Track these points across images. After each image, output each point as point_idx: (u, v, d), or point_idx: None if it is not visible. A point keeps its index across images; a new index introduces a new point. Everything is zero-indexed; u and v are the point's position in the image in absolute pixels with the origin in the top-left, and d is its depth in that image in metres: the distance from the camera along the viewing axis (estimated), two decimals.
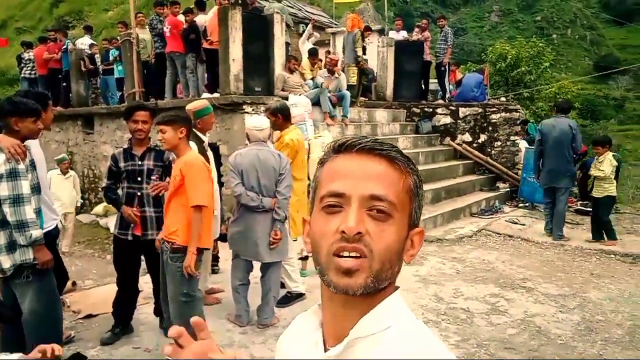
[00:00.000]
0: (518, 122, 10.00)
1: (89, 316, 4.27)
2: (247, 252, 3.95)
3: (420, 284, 5.03)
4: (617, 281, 5.25)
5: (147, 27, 9.26)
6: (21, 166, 2.74)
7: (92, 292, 5.00)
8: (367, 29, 10.83)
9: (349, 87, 9.11)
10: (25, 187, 2.74)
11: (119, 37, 10.13)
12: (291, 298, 4.54)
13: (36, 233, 2.77)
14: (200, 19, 8.26)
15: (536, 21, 65.59)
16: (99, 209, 9.05)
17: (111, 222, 6.56)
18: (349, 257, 0.73)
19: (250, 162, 3.85)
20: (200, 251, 3.23)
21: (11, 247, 2.78)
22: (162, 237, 3.27)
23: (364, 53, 10.21)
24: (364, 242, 0.73)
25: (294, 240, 4.49)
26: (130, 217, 3.58)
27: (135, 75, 8.96)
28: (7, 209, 2.70)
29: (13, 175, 2.70)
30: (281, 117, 4.38)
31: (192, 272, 3.13)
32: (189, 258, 3.11)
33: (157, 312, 3.97)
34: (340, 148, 0.80)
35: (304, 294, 4.61)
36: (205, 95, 7.82)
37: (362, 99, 10.31)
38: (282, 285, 4.59)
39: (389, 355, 0.72)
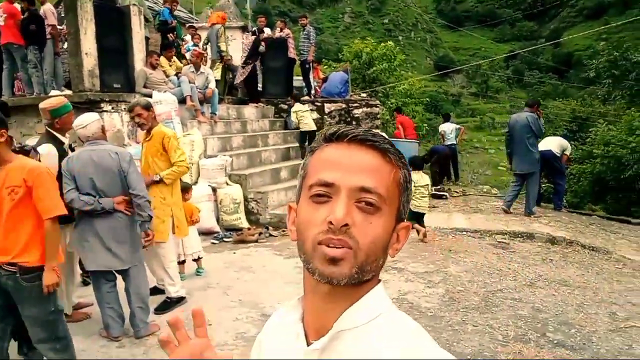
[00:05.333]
0: (378, 116, 10.74)
1: None
2: (97, 261, 3.62)
3: (302, 275, 5.13)
4: (470, 255, 5.94)
5: None
6: None
7: None
8: (261, 31, 10.52)
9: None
10: None
11: None
12: (171, 304, 4.31)
13: None
14: (45, 7, 7.40)
15: (384, 24, 71.00)
16: None
17: None
18: (335, 247, 0.72)
19: (83, 164, 3.50)
20: None
21: None
22: (1, 263, 2.70)
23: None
24: (350, 234, 0.72)
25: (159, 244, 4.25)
26: None
27: None
28: None
29: None
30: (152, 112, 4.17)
31: (56, 287, 2.80)
32: (50, 276, 2.73)
33: None
34: (332, 137, 0.79)
35: (185, 298, 4.42)
36: (54, 92, 7.04)
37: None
38: (163, 291, 4.38)
39: (376, 350, 0.73)
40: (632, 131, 11.77)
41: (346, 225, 0.72)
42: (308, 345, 0.78)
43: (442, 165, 11.11)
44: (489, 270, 5.38)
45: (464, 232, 6.87)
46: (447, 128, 11.57)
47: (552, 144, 8.43)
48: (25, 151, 3.27)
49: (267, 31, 11.14)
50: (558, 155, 8.38)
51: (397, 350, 0.72)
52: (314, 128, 9.23)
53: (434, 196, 9.36)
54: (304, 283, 0.81)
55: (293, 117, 9.30)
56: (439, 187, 10.08)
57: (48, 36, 7.56)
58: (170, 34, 9.26)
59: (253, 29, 10.82)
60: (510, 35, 73.09)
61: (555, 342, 3.75)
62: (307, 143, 9.12)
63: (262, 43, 9.90)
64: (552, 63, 58.41)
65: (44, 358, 3.07)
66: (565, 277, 5.24)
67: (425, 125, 20.72)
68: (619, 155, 11.65)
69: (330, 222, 0.72)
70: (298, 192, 0.82)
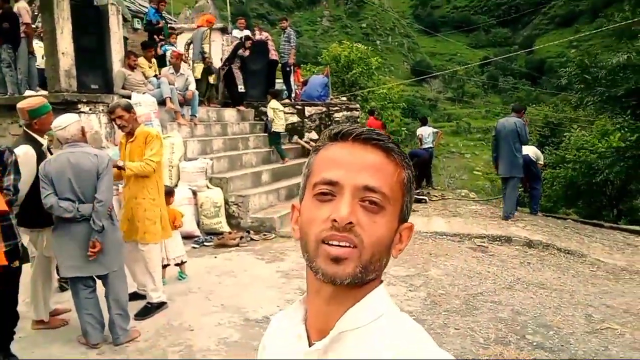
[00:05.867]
0: (357, 119, 10.81)
1: None
2: (76, 266, 3.52)
3: (283, 279, 5.12)
4: (451, 258, 6.01)
5: None
6: None
7: None
8: (248, 38, 10.41)
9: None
10: None
11: None
12: (151, 309, 4.22)
13: None
14: (19, 4, 7.21)
15: (362, 28, 71.54)
16: None
17: None
18: (339, 245, 0.72)
19: (60, 167, 3.40)
20: None
21: None
22: None
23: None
24: (355, 232, 0.72)
25: (144, 246, 4.19)
26: None
27: None
28: None
29: None
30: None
31: None
32: None
33: None
34: (337, 136, 0.79)
35: (166, 303, 4.35)
36: (29, 92, 6.86)
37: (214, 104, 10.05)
38: (143, 297, 4.30)
39: (377, 350, 0.73)
40: (604, 136, 12.13)
41: (350, 223, 0.71)
42: (310, 346, 0.78)
43: (421, 169, 11.21)
44: (469, 274, 5.45)
45: (444, 236, 6.95)
46: (425, 132, 11.70)
47: (528, 150, 8.62)
48: None
49: (247, 33, 11.08)
50: (534, 160, 8.58)
51: (398, 350, 0.72)
52: (282, 130, 9.18)
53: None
54: (307, 283, 0.80)
55: (270, 113, 8.95)
56: (418, 190, 10.18)
57: (22, 35, 7.37)
58: (157, 35, 9.09)
59: (241, 36, 10.65)
60: (485, 41, 74.54)
61: (534, 344, 3.83)
62: (277, 144, 9.14)
63: (247, 50, 9.86)
64: (526, 69, 59.78)
65: None
66: (542, 280, 5.35)
67: (404, 129, 20.93)
68: (590, 160, 11.98)
69: (334, 220, 0.71)
70: (302, 191, 0.82)
